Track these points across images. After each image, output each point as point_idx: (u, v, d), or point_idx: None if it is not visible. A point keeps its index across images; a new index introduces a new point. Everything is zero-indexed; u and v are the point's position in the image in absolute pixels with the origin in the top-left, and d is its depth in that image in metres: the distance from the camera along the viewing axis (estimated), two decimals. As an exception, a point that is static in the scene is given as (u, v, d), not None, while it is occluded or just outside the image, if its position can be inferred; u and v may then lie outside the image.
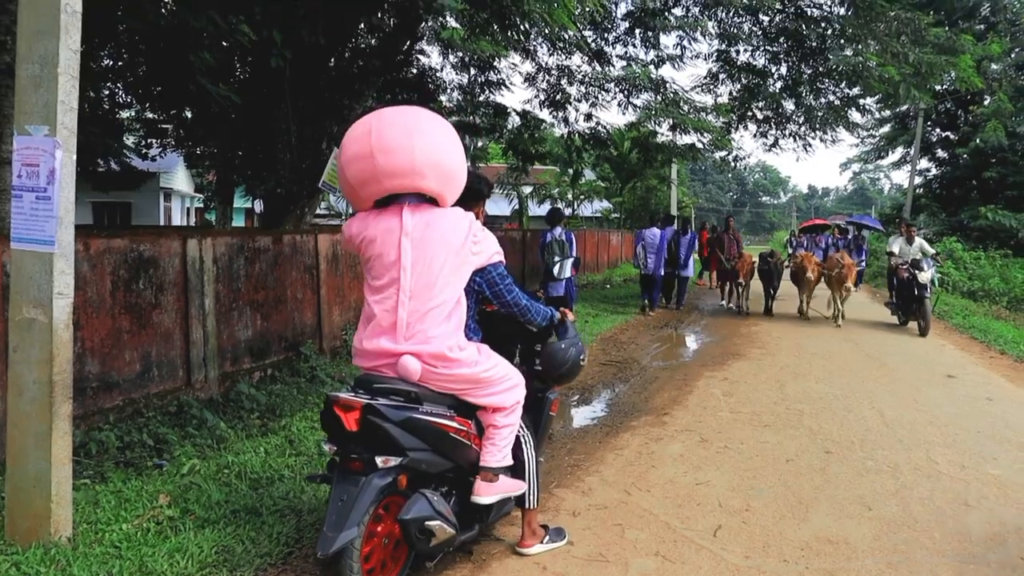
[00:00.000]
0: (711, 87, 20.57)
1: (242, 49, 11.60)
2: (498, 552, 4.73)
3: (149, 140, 21.74)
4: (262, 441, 6.71)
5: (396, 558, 4.13)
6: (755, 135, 21.60)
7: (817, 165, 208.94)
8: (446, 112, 18.85)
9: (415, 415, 3.91)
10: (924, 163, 37.33)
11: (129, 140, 22.13)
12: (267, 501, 5.21)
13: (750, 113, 20.68)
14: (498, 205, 42.47)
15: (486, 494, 4.24)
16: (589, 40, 17.32)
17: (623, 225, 40.14)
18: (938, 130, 37.05)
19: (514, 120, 19.20)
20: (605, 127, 19.87)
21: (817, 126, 20.58)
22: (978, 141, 31.40)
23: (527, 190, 38.30)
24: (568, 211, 39.93)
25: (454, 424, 4.12)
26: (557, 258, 12.82)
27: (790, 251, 24.66)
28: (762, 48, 19.72)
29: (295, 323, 9.90)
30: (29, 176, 4.29)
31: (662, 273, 17.93)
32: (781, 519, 5.32)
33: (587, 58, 17.86)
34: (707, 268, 24.49)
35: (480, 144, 22.72)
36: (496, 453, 4.24)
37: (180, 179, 37.54)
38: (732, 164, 22.88)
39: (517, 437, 4.51)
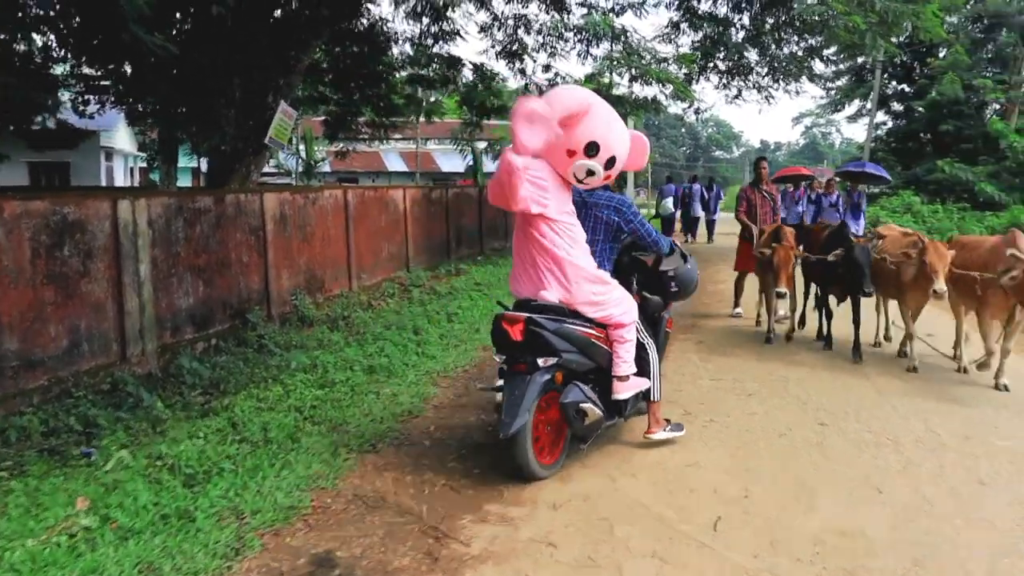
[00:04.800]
0: (672, 37, 19.86)
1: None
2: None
3: (87, 96, 20.65)
4: (201, 424, 6.03)
5: (556, 442, 5.35)
6: (717, 86, 21.08)
7: (769, 120, 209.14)
8: (397, 64, 18.03)
9: (565, 324, 5.10)
10: (880, 116, 36.99)
11: (65, 96, 21.00)
12: (203, 502, 4.53)
13: (712, 64, 20.06)
14: (451, 161, 41.60)
15: (623, 391, 5.43)
16: (547, -14, 16.55)
17: (579, 181, 39.34)
18: (894, 83, 36.67)
19: (468, 73, 18.42)
20: (564, 78, 19.11)
21: (780, 77, 20.06)
22: (935, 94, 31.03)
23: (482, 146, 37.35)
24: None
25: (593, 331, 5.28)
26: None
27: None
28: (724, -4, 19.08)
29: (241, 289, 9.21)
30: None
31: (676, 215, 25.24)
32: (785, 508, 4.77)
33: (545, 6, 17.06)
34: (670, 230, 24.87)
35: (433, 99, 21.83)
36: (622, 364, 5.41)
37: (122, 137, 36.01)
38: (695, 116, 22.30)
39: (642, 344, 5.67)
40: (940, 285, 7.34)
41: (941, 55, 32.83)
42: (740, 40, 19.22)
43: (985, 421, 6.54)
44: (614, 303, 5.32)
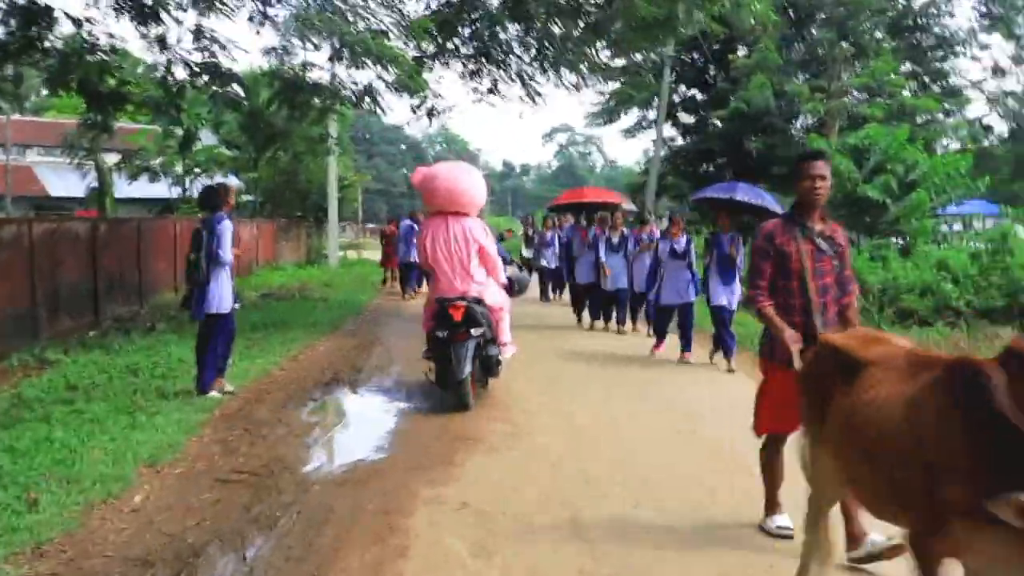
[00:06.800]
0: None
1: None
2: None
3: None
4: None
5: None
6: (462, 75, 19.42)
7: (513, 137, 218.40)
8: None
9: (484, 308, 10.62)
10: (667, 130, 37.16)
11: None
12: None
13: (453, 44, 18.30)
14: (65, 181, 37.70)
15: (508, 353, 11.26)
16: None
17: (260, 212, 36.50)
18: (683, 87, 36.94)
19: (69, 34, 15.72)
20: (226, 46, 16.67)
21: (551, 64, 18.80)
22: (739, 102, 30.95)
23: (112, 159, 33.86)
24: (176, 192, 35.70)
25: (492, 314, 10.94)
26: None
27: (528, 253, 22.64)
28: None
29: None
30: None
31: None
32: None
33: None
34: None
35: (17, 80, 18.45)
36: (504, 332, 11.23)
37: None
38: (429, 119, 20.31)
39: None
40: None
41: (739, 53, 33.09)
42: (496, 7, 17.95)
43: None
44: (497, 294, 11.16)
